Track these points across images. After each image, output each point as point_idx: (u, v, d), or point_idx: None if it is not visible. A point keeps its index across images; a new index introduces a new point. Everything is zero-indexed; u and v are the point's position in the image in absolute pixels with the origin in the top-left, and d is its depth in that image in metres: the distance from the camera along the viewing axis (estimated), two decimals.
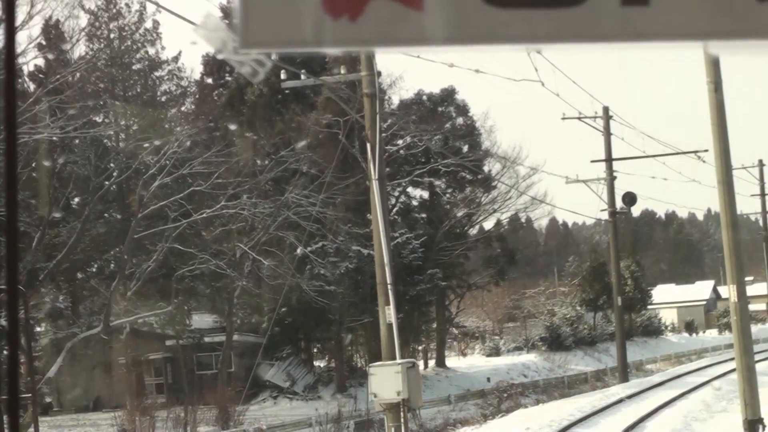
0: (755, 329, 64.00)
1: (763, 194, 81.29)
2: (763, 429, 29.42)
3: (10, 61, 2.32)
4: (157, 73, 61.77)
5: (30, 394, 29.48)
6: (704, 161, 51.86)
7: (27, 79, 52.55)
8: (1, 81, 2.27)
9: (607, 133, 57.13)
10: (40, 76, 53.28)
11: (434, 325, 68.18)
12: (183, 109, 60.52)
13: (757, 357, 39.99)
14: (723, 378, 53.22)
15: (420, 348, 67.84)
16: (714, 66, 30.42)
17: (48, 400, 55.94)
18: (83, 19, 55.87)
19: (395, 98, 63.66)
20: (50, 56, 52.32)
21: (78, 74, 51.16)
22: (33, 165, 47.69)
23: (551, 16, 2.05)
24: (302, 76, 42.82)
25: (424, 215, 65.73)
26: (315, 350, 63.87)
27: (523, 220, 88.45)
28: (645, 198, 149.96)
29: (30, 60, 50.77)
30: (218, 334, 57.58)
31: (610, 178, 57.06)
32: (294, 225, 51.53)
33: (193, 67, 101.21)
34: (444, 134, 63.00)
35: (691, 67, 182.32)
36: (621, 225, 66.16)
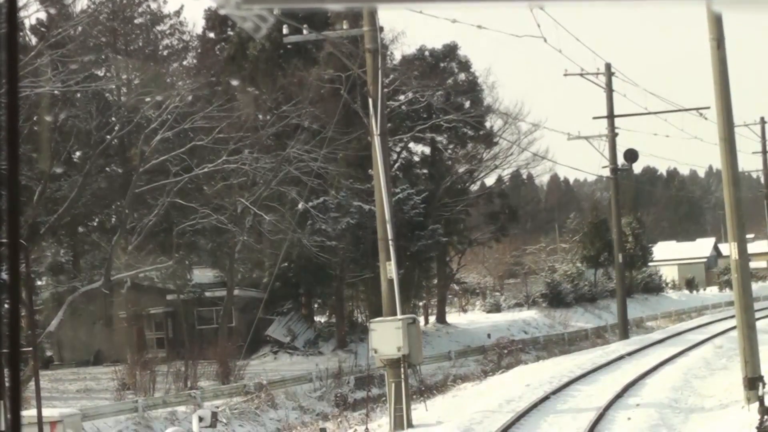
0: (756, 287, 64.60)
1: (764, 151, 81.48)
2: (763, 386, 28.81)
3: (12, 14, 2.40)
4: (159, 28, 62.15)
5: (31, 348, 27.46)
6: (706, 118, 52.09)
7: (29, 33, 53.10)
8: (2, 34, 2.37)
9: (609, 90, 57.81)
10: (42, 29, 53.61)
11: (435, 281, 69.10)
12: (185, 63, 61.16)
13: (757, 314, 40.73)
14: (723, 335, 54.41)
15: (421, 304, 68.75)
16: (716, 23, 30.70)
17: (49, 354, 56.89)
18: None
19: (397, 54, 64.53)
20: (52, 10, 52.71)
21: (80, 28, 51.37)
22: (34, 119, 48.11)
23: None
24: (304, 31, 41.99)
25: (425, 171, 66.36)
26: (316, 306, 64.37)
27: (524, 176, 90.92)
28: (647, 155, 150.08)
29: (32, 13, 51.17)
30: (219, 289, 58.13)
31: (612, 135, 57.71)
32: (295, 180, 52.11)
33: (195, 22, 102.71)
34: (446, 90, 63.59)
35: (694, 24, 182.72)
36: (622, 182, 67.19)
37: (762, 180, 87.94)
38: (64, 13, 52.69)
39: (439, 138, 65.55)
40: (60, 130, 49.88)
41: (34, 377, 24.95)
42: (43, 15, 54.76)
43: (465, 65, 67.93)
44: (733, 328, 40.30)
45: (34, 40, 52.99)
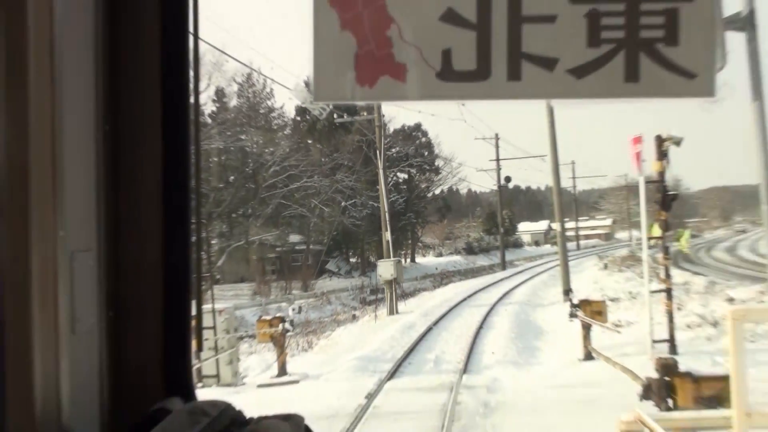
0: (570, 244, 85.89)
1: (573, 177, 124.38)
2: (571, 293, 34.11)
3: (197, 109, 2.69)
4: (272, 114, 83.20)
5: (208, 274, 37.42)
6: (545, 161, 67.19)
7: (208, 117, 70.23)
8: (191, 120, 2.64)
9: (497, 147, 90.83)
10: (213, 115, 72.41)
11: (410, 241, 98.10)
12: (285, 132, 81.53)
13: (571, 260, 50.07)
14: (553, 269, 65.19)
15: (403, 252, 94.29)
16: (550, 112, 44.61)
17: (217, 276, 67.40)
18: (234, 86, 77.59)
19: (391, 127, 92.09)
20: (218, 105, 73.91)
21: (233, 114, 72.41)
22: (209, 160, 65.81)
23: (471, 85, 2.45)
24: (345, 116, 56.57)
25: (404, 186, 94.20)
26: (350, 253, 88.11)
27: (454, 189, 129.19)
28: (516, 178, 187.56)
29: (208, 107, 71.95)
30: (302, 245, 78.96)
31: (498, 169, 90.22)
32: (340, 191, 74.23)
33: (290, 111, 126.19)
34: (415, 146, 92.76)
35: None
36: (504, 192, 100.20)
37: (572, 191, 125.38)
38: (224, 107, 73.24)
39: (411, 170, 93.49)
40: (222, 165, 69.07)
41: (210, 290, 32.41)
42: (214, 107, 74.10)
43: (425, 133, 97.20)
44: (557, 265, 49.74)
45: (209, 120, 68.87)
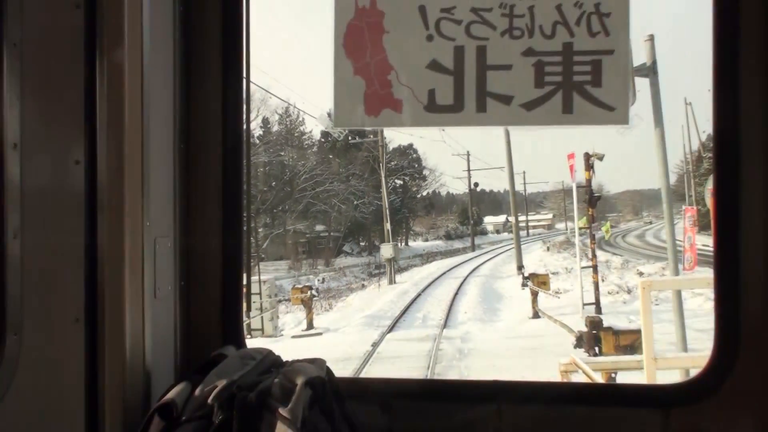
0: (522, 233, 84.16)
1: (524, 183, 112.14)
2: (523, 268, 36.92)
3: (248, 132, 2.65)
4: (303, 136, 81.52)
5: (255, 254, 41.31)
6: (503, 171, 65.53)
7: (256, 139, 68.50)
8: (244, 140, 2.66)
9: (468, 161, 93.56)
10: (260, 137, 71.29)
11: (404, 230, 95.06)
12: (313, 150, 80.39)
13: (523, 244, 50.64)
14: (510, 250, 59.83)
15: (399, 238, 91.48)
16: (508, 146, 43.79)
17: (263, 256, 64.04)
18: (276, 116, 76.25)
19: (390, 146, 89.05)
20: (264, 129, 72.94)
21: (274, 137, 72.38)
22: (257, 170, 64.93)
23: (449, 116, 2.47)
24: (357, 138, 59.88)
25: (400, 190, 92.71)
26: (361, 238, 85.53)
27: (437, 192, 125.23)
28: (483, 183, 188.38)
29: (257, 132, 70.85)
30: (325, 233, 75.23)
31: (468, 177, 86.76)
32: (353, 193, 73.19)
33: (316, 134, 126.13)
34: (408, 160, 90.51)
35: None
36: (473, 194, 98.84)
37: (523, 193, 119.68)
38: (269, 131, 72.41)
39: (405, 178, 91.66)
40: (267, 174, 67.18)
41: (257, 267, 37.29)
42: (260, 132, 73.06)
43: (415, 151, 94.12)
44: (513, 247, 49.35)
45: (258, 141, 68.75)
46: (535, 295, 26.84)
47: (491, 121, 2.56)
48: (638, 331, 14.39)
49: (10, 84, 2.35)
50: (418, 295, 34.52)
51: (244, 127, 2.74)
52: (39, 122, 2.39)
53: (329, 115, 2.69)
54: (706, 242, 28.87)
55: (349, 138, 59.05)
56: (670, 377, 11.01)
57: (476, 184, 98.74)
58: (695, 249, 22.05)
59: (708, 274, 15.72)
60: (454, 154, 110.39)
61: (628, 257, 44.76)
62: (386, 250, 42.76)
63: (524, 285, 29.18)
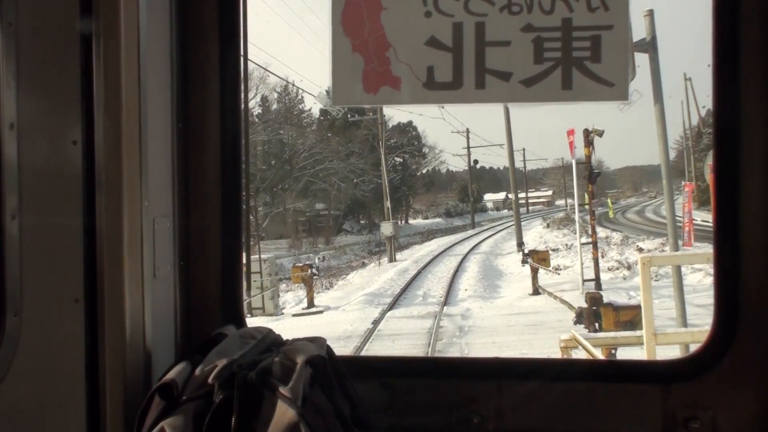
0: (522, 209, 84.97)
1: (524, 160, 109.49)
2: (525, 246, 37.63)
3: (246, 111, 2.65)
4: (302, 115, 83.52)
5: (255, 233, 42.03)
6: (503, 148, 68.99)
7: (255, 117, 71.94)
8: (243, 119, 2.66)
9: (467, 138, 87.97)
10: (260, 116, 73.41)
11: (404, 208, 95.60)
12: (312, 128, 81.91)
13: (522, 221, 50.43)
14: (509, 228, 63.99)
15: (399, 216, 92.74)
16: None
17: (263, 234, 65.24)
18: (275, 94, 78.03)
19: (390, 124, 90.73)
20: (263, 108, 74.78)
21: (273, 115, 73.12)
22: (256, 149, 65.94)
23: (448, 93, 2.47)
24: (356, 116, 57.26)
25: (400, 167, 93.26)
26: (361, 216, 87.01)
27: (437, 169, 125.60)
28: (482, 161, 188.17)
29: (255, 110, 72.90)
30: (325, 211, 78.13)
31: (468, 154, 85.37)
32: (353, 171, 73.78)
33: (315, 112, 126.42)
34: (407, 138, 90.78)
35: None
36: (473, 171, 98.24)
37: (523, 170, 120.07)
38: (267, 109, 74.13)
39: (405, 155, 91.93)
40: (266, 152, 69.61)
41: (257, 245, 36.41)
42: (259, 110, 75.35)
43: (415, 128, 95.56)
44: (513, 224, 50.15)
45: (257, 120, 70.38)
46: (535, 271, 26.91)
47: (490, 98, 2.53)
48: (638, 307, 14.47)
49: (6, 64, 2.34)
50: (419, 272, 34.73)
51: (242, 105, 2.72)
52: (35, 102, 2.37)
53: (328, 93, 2.67)
54: (706, 218, 28.94)
55: (348, 116, 58.64)
56: (671, 353, 11.11)
57: (476, 162, 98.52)
58: (692, 225, 22.13)
59: (708, 249, 15.95)
60: (454, 132, 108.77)
61: (628, 233, 45.21)
62: (386, 228, 42.85)
63: (524, 262, 29.12)
